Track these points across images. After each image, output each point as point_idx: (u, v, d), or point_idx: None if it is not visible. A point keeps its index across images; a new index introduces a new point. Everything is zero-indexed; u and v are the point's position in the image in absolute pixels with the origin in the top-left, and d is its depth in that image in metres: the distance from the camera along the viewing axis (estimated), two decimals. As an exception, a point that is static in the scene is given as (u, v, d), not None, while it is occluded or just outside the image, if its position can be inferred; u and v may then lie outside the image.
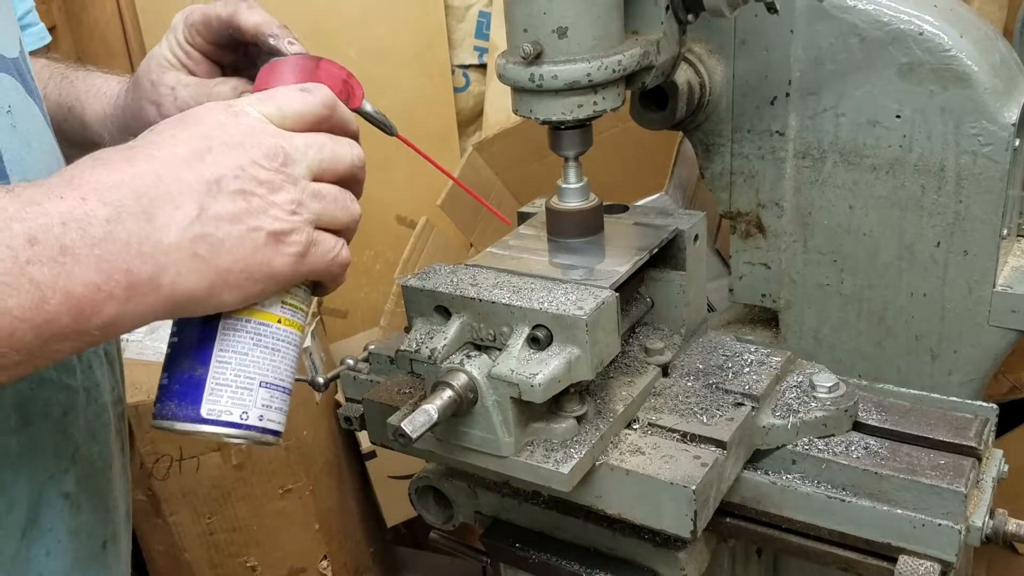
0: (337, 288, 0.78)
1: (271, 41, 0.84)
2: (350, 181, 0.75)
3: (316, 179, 0.71)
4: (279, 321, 0.74)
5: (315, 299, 0.80)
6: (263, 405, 0.73)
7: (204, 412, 0.71)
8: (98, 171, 0.63)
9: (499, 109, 2.31)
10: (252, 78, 0.89)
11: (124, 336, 1.01)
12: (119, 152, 0.65)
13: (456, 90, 2.42)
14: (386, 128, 0.86)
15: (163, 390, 0.73)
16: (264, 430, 0.73)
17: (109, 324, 0.62)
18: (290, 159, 0.69)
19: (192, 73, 0.91)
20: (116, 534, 0.94)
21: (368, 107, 0.84)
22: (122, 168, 0.63)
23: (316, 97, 0.73)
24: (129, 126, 0.94)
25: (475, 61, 2.40)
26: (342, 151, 0.73)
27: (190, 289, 0.65)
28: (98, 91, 1.01)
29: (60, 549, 0.84)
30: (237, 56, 0.92)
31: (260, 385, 0.72)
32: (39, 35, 1.07)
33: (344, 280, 0.77)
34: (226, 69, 0.94)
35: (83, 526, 0.88)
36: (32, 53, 1.05)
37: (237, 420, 0.71)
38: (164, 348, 0.75)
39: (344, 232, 0.74)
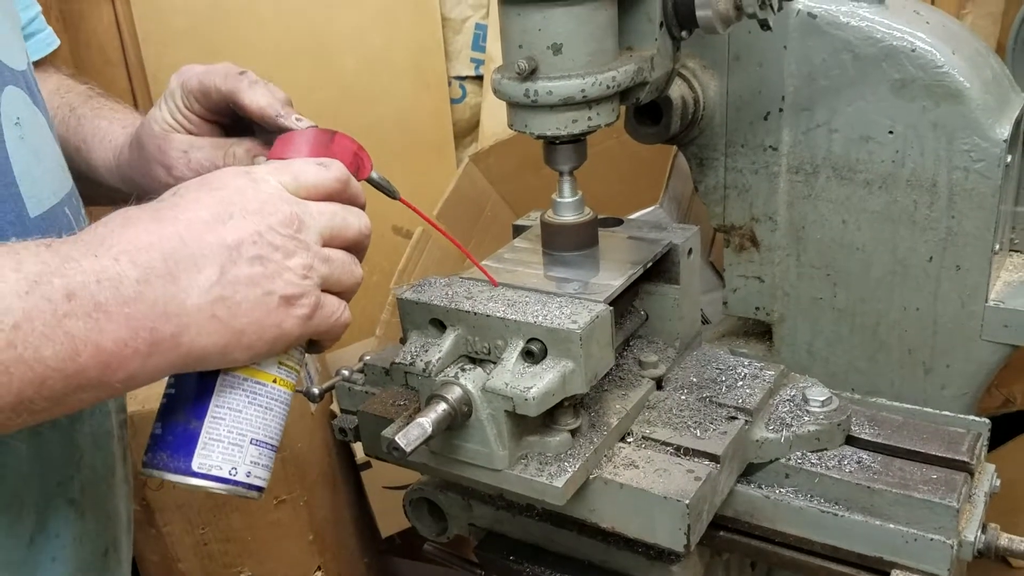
0: (333, 345, 0.81)
1: (280, 121, 0.86)
2: (356, 247, 0.79)
3: (326, 244, 0.75)
4: (274, 381, 0.77)
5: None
6: (251, 462, 0.75)
7: (195, 466, 0.73)
8: (128, 232, 0.66)
9: (495, 121, 2.32)
10: (251, 135, 0.91)
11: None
12: (146, 212, 0.69)
13: (452, 101, 2.43)
14: (391, 193, 0.89)
15: (156, 439, 0.75)
16: (250, 486, 0.76)
17: (130, 378, 0.65)
18: (304, 226, 0.73)
19: (194, 135, 0.92)
20: (117, 541, 0.95)
21: (375, 176, 0.87)
22: (150, 229, 0.67)
23: (331, 172, 0.77)
24: (137, 183, 0.96)
25: (471, 73, 2.41)
26: (351, 219, 0.77)
27: (206, 347, 0.68)
28: (103, 137, 1.02)
29: (65, 555, 0.86)
30: (237, 117, 0.92)
31: (251, 443, 0.75)
32: (47, 41, 1.08)
33: (339, 338, 0.80)
34: (227, 129, 0.95)
35: (87, 533, 0.89)
36: (41, 60, 1.06)
37: (226, 475, 0.74)
38: None
39: (346, 294, 0.78)
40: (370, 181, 0.87)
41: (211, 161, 0.90)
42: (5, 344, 0.58)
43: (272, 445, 0.78)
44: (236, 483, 0.75)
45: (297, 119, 0.86)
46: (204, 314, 0.67)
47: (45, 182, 0.83)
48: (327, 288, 0.75)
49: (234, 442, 0.74)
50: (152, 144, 0.92)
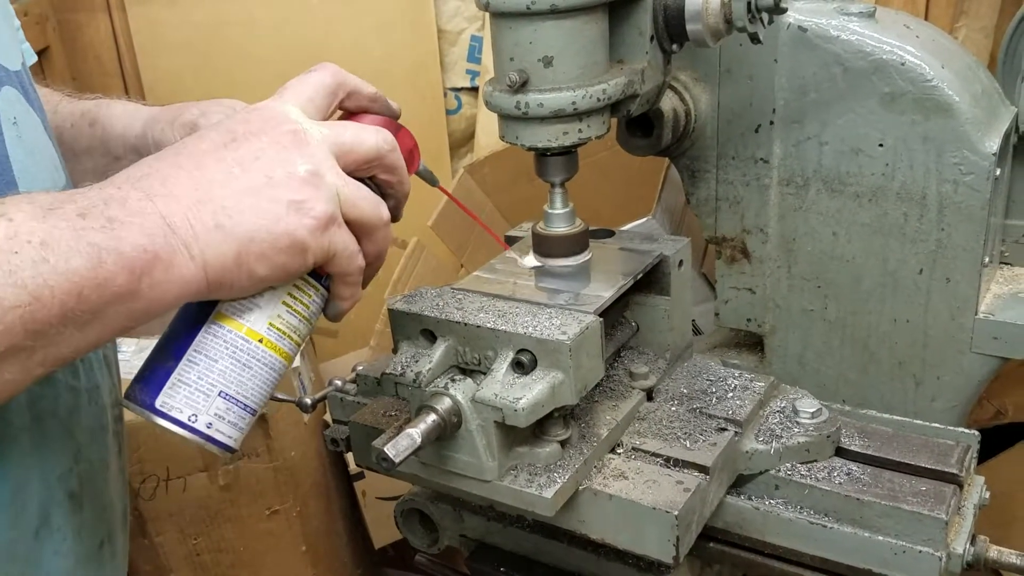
0: (351, 306, 0.81)
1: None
2: (378, 169, 0.79)
3: (342, 165, 0.76)
4: (260, 340, 0.76)
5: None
6: (216, 415, 0.74)
7: (158, 403, 0.73)
8: (132, 168, 0.71)
9: (490, 131, 2.33)
10: None
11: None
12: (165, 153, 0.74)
13: (448, 112, 2.44)
14: (432, 182, 0.94)
15: (139, 371, 0.76)
16: (210, 438, 0.74)
17: (158, 286, 0.67)
18: (309, 136, 0.74)
19: None
20: (112, 534, 0.95)
21: (422, 168, 0.91)
22: (150, 163, 0.72)
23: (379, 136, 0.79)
24: None
25: (467, 84, 2.43)
26: (366, 136, 0.78)
27: (219, 260, 0.69)
28: (122, 112, 1.05)
29: (65, 548, 0.86)
30: None
31: (219, 395, 0.74)
32: (26, 53, 1.09)
33: (358, 296, 0.81)
34: None
35: (85, 526, 0.90)
36: None
37: (184, 420, 0.73)
38: None
39: (369, 234, 0.77)
40: (418, 174, 0.89)
41: None
42: (40, 259, 0.61)
43: (245, 404, 0.76)
44: (195, 431, 0.74)
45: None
46: (206, 225, 0.68)
47: (40, 181, 0.85)
48: (344, 210, 0.75)
49: (201, 389, 0.73)
50: None
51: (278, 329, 0.77)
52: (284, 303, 0.77)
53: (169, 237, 0.67)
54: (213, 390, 0.74)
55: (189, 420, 0.73)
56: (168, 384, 0.73)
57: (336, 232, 0.74)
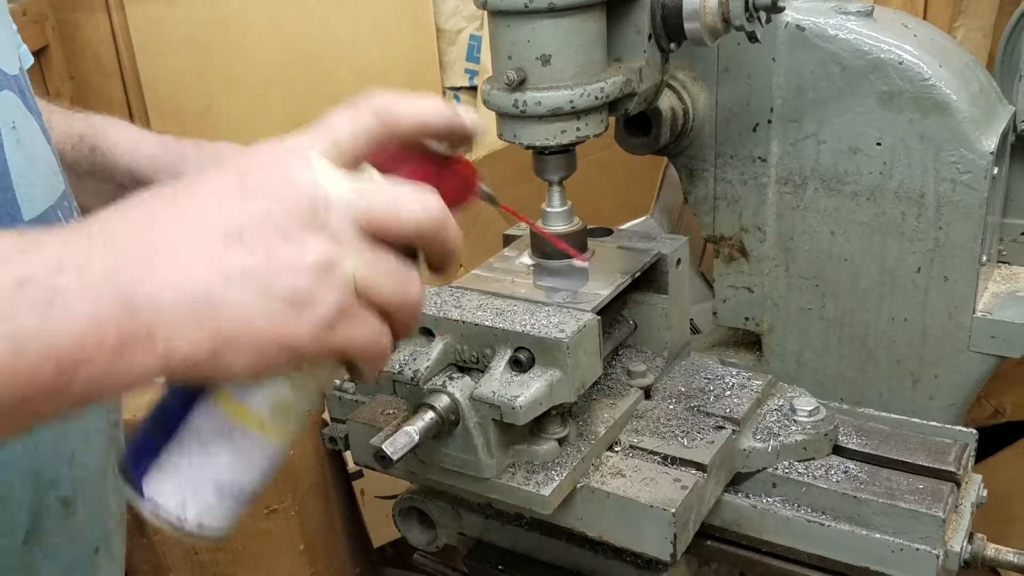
0: (377, 376, 0.68)
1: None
2: (418, 243, 0.63)
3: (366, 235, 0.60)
4: (262, 427, 0.64)
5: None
6: (206, 506, 0.63)
7: (145, 487, 0.63)
8: (118, 213, 0.58)
9: (489, 131, 2.34)
10: None
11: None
12: (161, 193, 0.59)
13: (447, 112, 2.44)
14: (494, 202, 0.82)
15: (133, 435, 0.66)
16: (197, 531, 0.64)
17: (97, 379, 0.54)
18: (330, 204, 0.58)
19: None
20: (109, 539, 0.95)
21: (484, 190, 0.79)
22: (136, 213, 0.58)
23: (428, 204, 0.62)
24: None
25: (466, 83, 2.43)
26: (406, 206, 0.60)
27: (188, 351, 0.56)
28: (121, 133, 1.05)
29: (57, 554, 0.86)
30: None
31: (211, 485, 0.63)
32: (23, 56, 1.09)
33: (384, 367, 0.67)
34: None
35: (78, 531, 0.89)
36: None
37: (172, 516, 0.62)
38: None
39: (394, 313, 0.61)
40: (480, 198, 0.78)
41: None
42: None
43: (240, 491, 0.65)
44: (181, 527, 0.63)
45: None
46: (181, 312, 0.55)
47: (39, 185, 0.85)
48: (364, 293, 0.59)
49: (191, 480, 0.62)
50: None
51: (283, 409, 0.64)
52: (292, 383, 0.64)
53: (124, 320, 0.53)
54: (205, 481, 0.63)
55: (177, 518, 0.62)
56: (155, 467, 0.62)
57: (345, 327, 0.59)
